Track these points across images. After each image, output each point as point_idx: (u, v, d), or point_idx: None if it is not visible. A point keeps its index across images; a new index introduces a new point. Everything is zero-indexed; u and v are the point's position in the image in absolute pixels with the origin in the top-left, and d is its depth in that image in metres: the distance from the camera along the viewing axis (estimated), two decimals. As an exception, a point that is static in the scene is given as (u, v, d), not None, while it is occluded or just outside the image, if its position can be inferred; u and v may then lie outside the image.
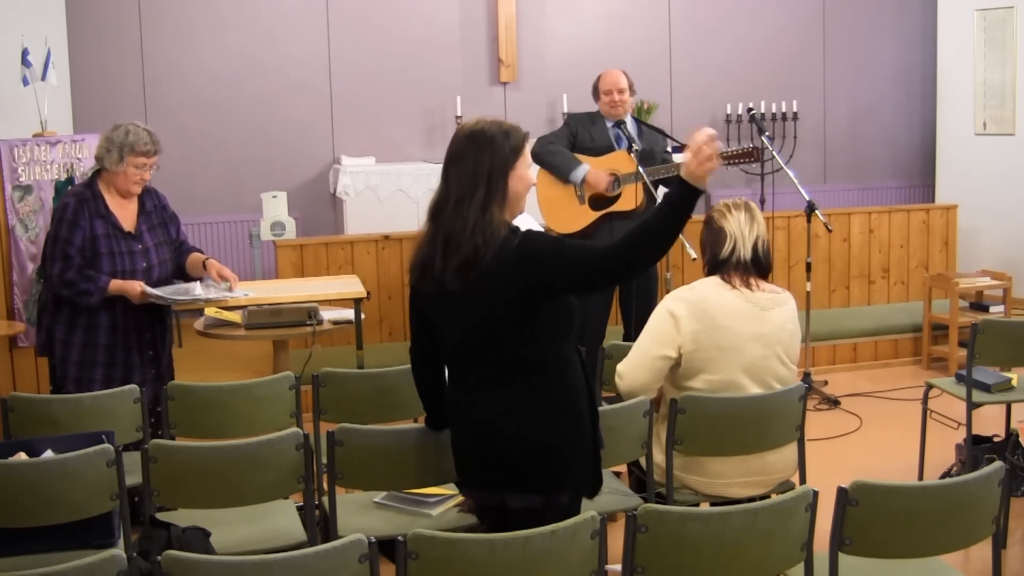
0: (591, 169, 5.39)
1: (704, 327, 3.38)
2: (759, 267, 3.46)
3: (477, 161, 2.70)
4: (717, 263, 3.48)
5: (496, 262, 2.67)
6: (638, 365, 3.45)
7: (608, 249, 2.66)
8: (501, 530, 2.55)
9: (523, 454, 2.72)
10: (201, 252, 4.44)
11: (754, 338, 3.40)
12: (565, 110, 7.92)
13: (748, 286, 3.43)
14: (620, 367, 3.51)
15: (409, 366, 3.00)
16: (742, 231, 3.46)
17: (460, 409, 2.82)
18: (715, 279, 3.46)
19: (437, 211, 2.74)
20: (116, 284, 4.07)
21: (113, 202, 4.18)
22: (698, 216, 3.58)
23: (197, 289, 4.23)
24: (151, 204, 4.31)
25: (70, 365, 4.15)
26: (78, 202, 4.11)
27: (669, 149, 5.79)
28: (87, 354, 4.15)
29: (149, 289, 4.09)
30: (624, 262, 2.65)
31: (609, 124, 5.55)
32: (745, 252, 3.44)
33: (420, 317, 2.88)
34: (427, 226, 2.77)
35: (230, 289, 4.31)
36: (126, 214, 4.21)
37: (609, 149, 5.48)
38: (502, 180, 2.71)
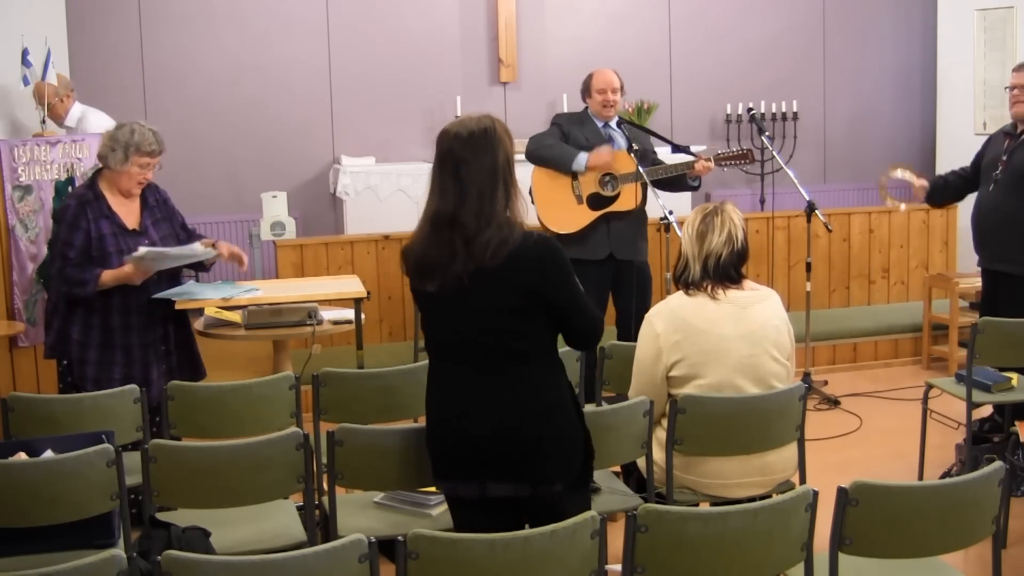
0: (591, 153, 5.30)
1: (684, 336, 3.39)
2: (715, 280, 3.42)
3: (491, 160, 2.70)
4: (676, 277, 3.51)
5: (512, 258, 2.68)
6: (642, 390, 3.47)
7: (595, 313, 2.83)
8: (483, 527, 2.55)
9: (505, 442, 2.73)
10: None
11: (740, 337, 3.39)
12: (565, 110, 7.91)
13: (715, 296, 3.41)
14: (630, 392, 3.54)
15: (409, 366, 3.00)
16: (692, 249, 3.44)
17: (445, 397, 2.82)
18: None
19: (449, 218, 2.69)
20: (108, 274, 4.06)
21: (115, 201, 4.18)
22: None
23: (197, 248, 4.21)
24: (153, 199, 4.31)
25: (89, 366, 4.15)
26: (79, 204, 4.12)
27: (657, 149, 5.79)
28: (105, 355, 4.14)
29: (142, 251, 4.03)
30: (594, 333, 2.84)
31: (600, 124, 5.48)
32: (694, 274, 3.43)
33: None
34: (432, 232, 2.73)
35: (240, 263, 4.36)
36: (129, 212, 4.21)
37: None
38: (512, 175, 2.74)
